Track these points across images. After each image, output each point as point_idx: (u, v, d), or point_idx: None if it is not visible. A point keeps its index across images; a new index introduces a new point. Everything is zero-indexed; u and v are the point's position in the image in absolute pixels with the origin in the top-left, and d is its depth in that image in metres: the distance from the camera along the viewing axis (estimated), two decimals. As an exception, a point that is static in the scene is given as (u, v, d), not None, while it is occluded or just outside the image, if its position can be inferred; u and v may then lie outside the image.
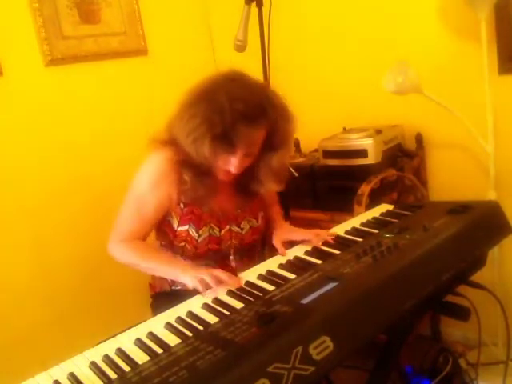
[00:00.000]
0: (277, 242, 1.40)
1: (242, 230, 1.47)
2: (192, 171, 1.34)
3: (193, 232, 1.40)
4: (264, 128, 1.30)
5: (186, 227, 1.40)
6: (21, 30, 2.01)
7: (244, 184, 1.45)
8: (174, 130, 1.34)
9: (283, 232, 1.46)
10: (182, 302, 1.15)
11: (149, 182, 1.37)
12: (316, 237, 1.34)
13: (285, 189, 1.67)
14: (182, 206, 1.40)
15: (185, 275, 1.23)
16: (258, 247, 1.60)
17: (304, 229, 1.46)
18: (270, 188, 1.46)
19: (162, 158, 1.36)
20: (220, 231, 1.43)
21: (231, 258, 1.48)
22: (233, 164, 1.30)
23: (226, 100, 1.22)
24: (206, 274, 1.17)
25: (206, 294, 1.15)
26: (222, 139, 1.25)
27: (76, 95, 2.18)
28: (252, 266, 1.53)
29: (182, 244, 1.42)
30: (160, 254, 1.43)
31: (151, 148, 1.39)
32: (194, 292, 1.36)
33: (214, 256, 1.46)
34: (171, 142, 1.35)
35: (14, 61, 1.99)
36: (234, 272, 1.44)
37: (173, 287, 1.52)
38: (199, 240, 1.40)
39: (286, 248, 1.37)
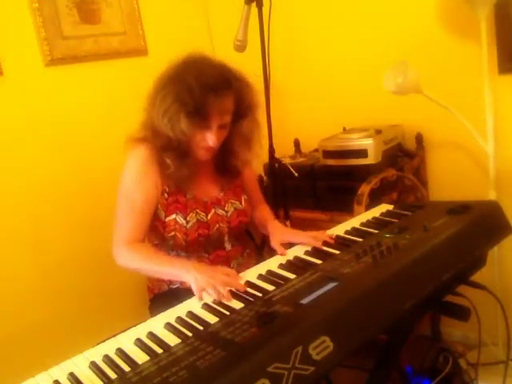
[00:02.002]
0: (275, 243, 1.41)
1: (226, 212, 1.52)
2: (173, 154, 1.39)
3: (181, 219, 1.44)
4: (231, 97, 1.37)
5: (174, 216, 1.44)
6: (21, 30, 2.01)
7: (223, 163, 1.51)
8: (148, 117, 1.41)
9: (280, 234, 1.46)
10: (179, 301, 1.15)
11: (133, 176, 1.42)
12: (313, 239, 1.34)
13: (285, 189, 1.68)
14: (166, 195, 1.44)
15: (189, 276, 1.23)
16: (250, 235, 1.63)
17: (300, 231, 1.46)
18: (245, 158, 1.52)
19: (140, 151, 1.42)
20: (206, 216, 1.48)
21: (225, 238, 1.52)
22: (210, 138, 1.37)
23: (193, 78, 1.31)
24: (211, 286, 1.15)
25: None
26: (196, 114, 1.32)
27: (76, 95, 2.18)
28: (244, 253, 1.58)
29: (172, 234, 1.44)
30: (163, 256, 1.43)
31: (128, 147, 1.44)
32: (190, 290, 1.39)
33: (205, 243, 1.48)
34: (148, 131, 1.42)
35: (14, 61, 1.99)
36: (228, 258, 1.50)
37: (171, 286, 1.53)
38: (188, 226, 1.44)
39: (285, 248, 1.38)
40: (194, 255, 1.49)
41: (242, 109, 1.43)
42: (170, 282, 1.53)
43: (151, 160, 1.41)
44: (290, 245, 1.41)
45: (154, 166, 1.41)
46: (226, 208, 1.52)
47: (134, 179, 1.41)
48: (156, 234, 1.50)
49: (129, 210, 1.41)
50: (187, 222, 1.44)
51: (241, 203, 1.56)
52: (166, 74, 1.39)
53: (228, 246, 1.54)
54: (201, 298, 1.15)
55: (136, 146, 1.43)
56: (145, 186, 1.41)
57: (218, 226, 1.49)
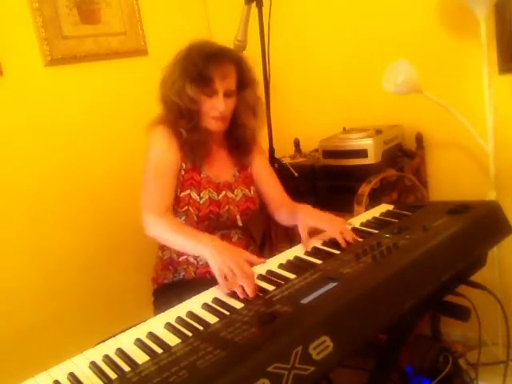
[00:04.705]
0: (303, 230, 1.37)
1: (236, 196, 1.60)
2: (185, 124, 1.50)
3: (195, 195, 1.53)
4: (232, 65, 1.49)
5: (188, 192, 1.52)
6: (21, 30, 2.01)
7: (235, 138, 1.60)
8: (162, 94, 1.53)
9: (309, 216, 1.43)
10: (183, 292, 1.16)
11: (158, 149, 1.51)
12: (340, 235, 1.30)
13: (285, 189, 1.68)
14: (183, 172, 1.53)
15: (209, 255, 1.23)
16: (256, 237, 1.66)
17: (331, 216, 1.43)
18: (252, 125, 1.60)
19: (160, 129, 1.53)
20: (218, 195, 1.56)
21: (237, 217, 1.58)
22: (218, 104, 1.47)
23: (195, 52, 1.47)
24: (228, 272, 1.15)
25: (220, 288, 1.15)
26: (199, 79, 1.45)
27: (76, 95, 2.18)
28: (248, 249, 1.59)
29: (185, 208, 1.52)
30: (189, 229, 1.43)
31: (149, 131, 1.54)
32: (195, 281, 1.42)
33: (214, 223, 1.54)
34: (163, 108, 1.54)
35: (14, 61, 1.99)
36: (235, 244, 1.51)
37: (175, 275, 1.57)
38: (201, 202, 1.53)
39: (312, 235, 1.36)
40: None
41: (244, 79, 1.54)
42: (175, 271, 1.57)
43: (171, 136, 1.51)
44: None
45: (174, 142, 1.51)
46: (235, 192, 1.60)
47: (159, 153, 1.51)
48: None
49: (155, 176, 1.48)
50: (200, 198, 1.53)
51: (250, 191, 1.62)
52: (175, 58, 1.52)
53: (234, 237, 1.59)
54: (226, 288, 1.13)
55: (156, 127, 1.53)
56: (169, 157, 1.51)
57: (227, 207, 1.56)
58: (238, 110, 1.55)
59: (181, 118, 1.49)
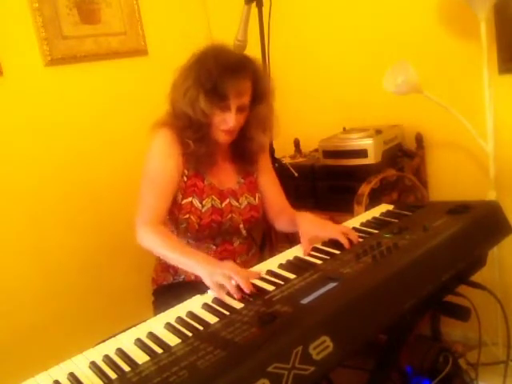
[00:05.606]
0: (304, 240, 1.36)
1: (240, 204, 1.56)
2: (193, 135, 1.45)
3: (197, 203, 1.49)
4: (248, 79, 1.43)
5: (190, 199, 1.49)
6: (21, 30, 2.01)
7: (241, 149, 1.56)
8: (172, 99, 1.48)
9: (310, 226, 1.41)
10: (183, 293, 1.16)
11: (157, 157, 1.47)
12: (343, 236, 1.29)
13: (285, 189, 1.68)
14: (185, 178, 1.49)
15: (202, 270, 1.22)
16: (257, 240, 1.65)
17: (329, 222, 1.43)
18: (261, 141, 1.56)
19: (164, 133, 1.47)
20: (221, 203, 1.52)
21: (241, 226, 1.55)
22: (229, 119, 1.42)
23: (212, 60, 1.41)
24: (222, 278, 1.15)
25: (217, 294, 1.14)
26: (214, 93, 1.39)
27: (76, 95, 2.18)
28: (249, 253, 1.61)
29: (187, 216, 1.48)
30: (182, 246, 1.42)
31: (153, 131, 1.49)
32: (194, 283, 1.40)
33: (216, 231, 1.51)
34: (171, 113, 1.49)
35: (14, 61, 1.99)
36: (235, 253, 1.54)
37: (175, 277, 1.56)
38: (203, 210, 1.49)
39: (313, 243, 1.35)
40: (202, 245, 1.51)
41: (259, 93, 1.48)
42: (175, 273, 1.56)
43: (174, 142, 1.46)
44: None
45: (177, 148, 1.47)
46: (240, 201, 1.56)
47: (159, 160, 1.46)
48: (170, 219, 1.52)
49: (152, 188, 1.45)
50: (202, 206, 1.49)
51: (255, 199, 1.59)
52: (190, 60, 1.47)
53: (236, 242, 1.57)
54: (220, 295, 1.13)
55: (160, 130, 1.48)
56: (168, 166, 1.46)
57: (230, 215, 1.53)
58: (249, 123, 1.50)
59: (189, 127, 1.45)
